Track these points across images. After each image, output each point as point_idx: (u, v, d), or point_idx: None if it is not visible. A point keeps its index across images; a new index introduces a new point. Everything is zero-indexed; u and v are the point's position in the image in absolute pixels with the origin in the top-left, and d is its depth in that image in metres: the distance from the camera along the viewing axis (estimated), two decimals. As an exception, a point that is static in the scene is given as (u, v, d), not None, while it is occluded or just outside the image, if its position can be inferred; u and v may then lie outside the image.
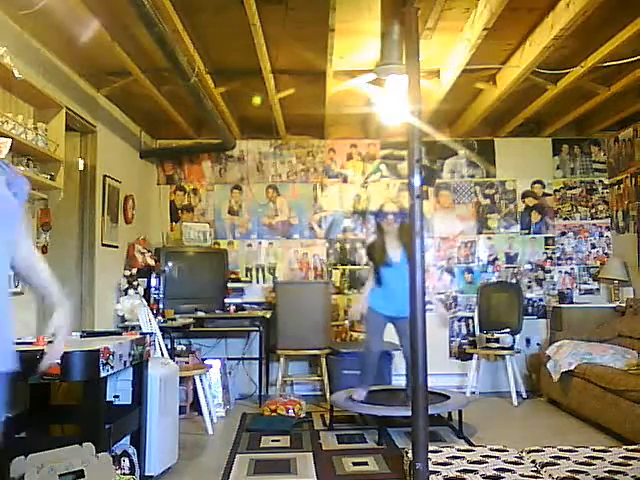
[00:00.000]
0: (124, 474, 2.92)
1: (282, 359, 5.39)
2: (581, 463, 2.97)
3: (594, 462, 2.98)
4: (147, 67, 4.06)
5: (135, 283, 4.92)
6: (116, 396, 3.20)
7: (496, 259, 6.03)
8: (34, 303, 3.54)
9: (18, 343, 2.88)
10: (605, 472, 2.82)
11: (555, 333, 5.53)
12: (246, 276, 5.95)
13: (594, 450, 3.21)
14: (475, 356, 5.59)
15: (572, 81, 4.24)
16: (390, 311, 4.29)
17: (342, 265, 6.01)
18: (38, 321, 3.58)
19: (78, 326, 4.10)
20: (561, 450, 3.21)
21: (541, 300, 5.99)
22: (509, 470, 2.89)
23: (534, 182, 6.09)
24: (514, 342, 5.42)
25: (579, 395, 4.56)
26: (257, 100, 4.83)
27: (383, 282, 4.36)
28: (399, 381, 5.24)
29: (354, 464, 3.62)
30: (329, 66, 3.98)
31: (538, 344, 5.85)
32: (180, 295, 5.37)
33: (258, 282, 5.97)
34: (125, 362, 2.90)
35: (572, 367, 4.65)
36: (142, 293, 4.94)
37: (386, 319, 4.36)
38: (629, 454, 3.11)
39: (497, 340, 5.39)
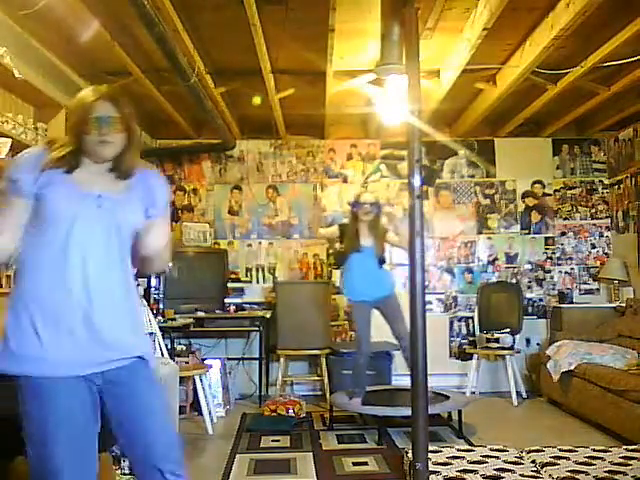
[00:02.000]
0: (124, 474, 2.92)
1: (282, 359, 5.39)
2: (581, 463, 2.97)
3: (594, 462, 2.98)
4: (147, 67, 4.06)
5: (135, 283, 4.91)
6: (116, 396, 3.19)
7: (496, 259, 6.03)
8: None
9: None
10: (605, 472, 2.82)
11: (555, 333, 5.53)
12: (246, 276, 5.94)
13: (594, 450, 3.21)
14: (475, 356, 5.58)
15: (572, 81, 4.24)
16: (368, 295, 4.35)
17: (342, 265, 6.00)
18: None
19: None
20: (561, 450, 3.21)
21: (541, 300, 5.99)
22: (509, 470, 2.89)
23: (534, 182, 6.08)
24: (514, 342, 5.41)
25: (579, 395, 4.56)
26: (257, 100, 4.82)
27: (352, 267, 4.41)
28: (399, 381, 5.25)
29: (354, 464, 3.62)
30: (329, 66, 3.98)
31: (538, 344, 5.85)
32: (180, 295, 5.36)
33: (258, 282, 5.97)
34: (125, 362, 2.89)
35: (572, 367, 4.65)
36: (142, 293, 4.93)
37: (369, 305, 4.37)
38: (629, 454, 3.11)
39: (497, 340, 5.38)
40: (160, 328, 4.40)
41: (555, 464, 2.96)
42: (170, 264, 1.98)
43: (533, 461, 3.06)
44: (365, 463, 3.63)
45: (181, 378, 3.96)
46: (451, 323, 5.96)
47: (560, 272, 6.01)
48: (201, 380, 4.55)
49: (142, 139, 5.68)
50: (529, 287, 5.99)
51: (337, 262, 4.57)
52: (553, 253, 6.03)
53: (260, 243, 6.02)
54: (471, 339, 5.85)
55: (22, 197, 1.66)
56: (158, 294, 5.13)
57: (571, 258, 6.02)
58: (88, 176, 1.73)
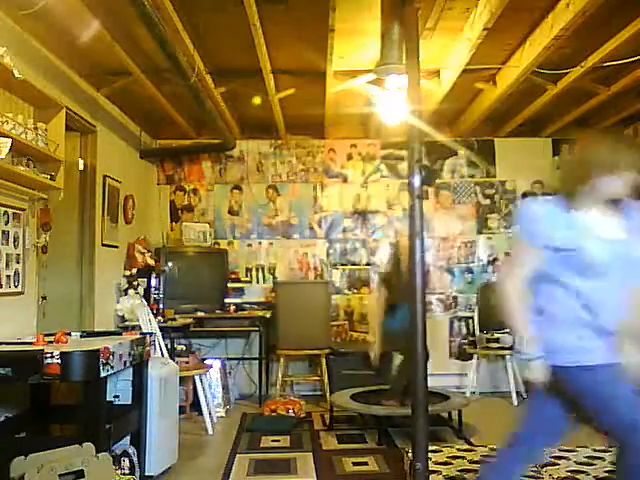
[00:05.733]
0: (124, 474, 2.92)
1: (282, 359, 5.39)
2: (581, 463, 2.98)
3: (594, 462, 2.98)
4: (147, 67, 4.05)
5: (135, 283, 4.91)
6: (116, 396, 3.20)
7: (496, 259, 6.03)
8: (34, 303, 3.54)
9: (18, 343, 2.89)
10: (605, 472, 2.82)
11: (555, 333, 5.52)
12: (246, 276, 5.94)
13: (594, 450, 3.21)
14: (475, 356, 5.59)
15: (572, 81, 4.24)
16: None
17: (342, 265, 6.01)
18: (38, 321, 3.58)
19: (78, 326, 4.10)
20: (561, 450, 3.21)
21: (541, 300, 5.98)
22: (509, 470, 2.89)
23: (534, 182, 6.08)
24: (514, 342, 5.40)
25: (579, 395, 4.55)
26: (257, 100, 4.82)
27: (403, 320, 4.28)
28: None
29: (354, 464, 3.62)
30: (329, 66, 3.98)
31: (538, 344, 5.83)
32: (180, 295, 5.36)
33: (258, 282, 5.97)
34: (125, 362, 2.90)
35: (572, 367, 4.64)
36: (142, 293, 4.94)
37: None
38: (629, 454, 3.10)
39: (497, 340, 5.39)
40: (160, 328, 4.40)
41: (555, 464, 2.96)
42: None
43: (533, 461, 3.05)
44: (365, 463, 3.63)
45: (181, 378, 3.96)
46: (451, 323, 5.96)
47: (560, 272, 6.00)
48: (201, 380, 4.55)
49: (142, 139, 5.69)
50: (529, 287, 5.97)
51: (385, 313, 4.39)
52: (553, 253, 6.02)
53: (260, 243, 6.02)
54: (471, 339, 5.85)
55: (534, 247, 1.94)
56: (158, 294, 5.14)
57: (571, 258, 6.01)
58: (597, 223, 1.94)
